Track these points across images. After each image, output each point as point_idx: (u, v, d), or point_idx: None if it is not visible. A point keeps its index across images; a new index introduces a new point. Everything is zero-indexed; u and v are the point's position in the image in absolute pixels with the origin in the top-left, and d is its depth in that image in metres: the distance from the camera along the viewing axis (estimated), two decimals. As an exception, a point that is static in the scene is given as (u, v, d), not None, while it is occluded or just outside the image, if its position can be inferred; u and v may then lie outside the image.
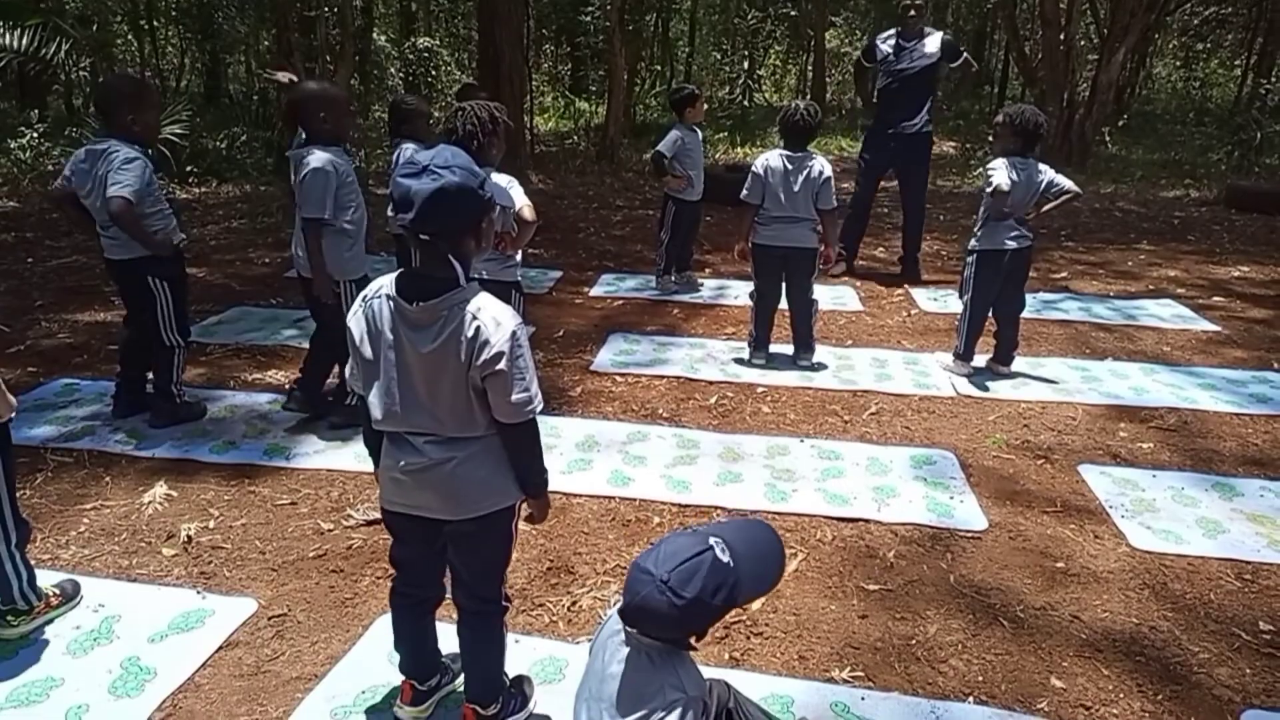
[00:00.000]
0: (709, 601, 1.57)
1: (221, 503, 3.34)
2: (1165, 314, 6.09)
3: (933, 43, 6.49)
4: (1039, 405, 4.46)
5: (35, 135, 10.03)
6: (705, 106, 6.91)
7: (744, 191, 4.71)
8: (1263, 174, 12.28)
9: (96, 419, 3.99)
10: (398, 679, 2.29)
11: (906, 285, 6.67)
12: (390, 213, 1.87)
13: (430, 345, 1.85)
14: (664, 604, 1.56)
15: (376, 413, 1.94)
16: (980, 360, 4.90)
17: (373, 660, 2.48)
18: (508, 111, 3.55)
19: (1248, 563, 3.09)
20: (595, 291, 6.42)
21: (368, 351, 1.92)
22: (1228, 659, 2.61)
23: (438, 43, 17.62)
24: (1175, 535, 3.27)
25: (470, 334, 1.83)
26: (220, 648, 2.53)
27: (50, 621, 2.61)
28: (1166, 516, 3.40)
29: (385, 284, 1.92)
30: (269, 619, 2.67)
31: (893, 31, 6.67)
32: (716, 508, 3.38)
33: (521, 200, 3.51)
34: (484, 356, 1.82)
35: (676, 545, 1.62)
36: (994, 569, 3.05)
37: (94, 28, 11.35)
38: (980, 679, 2.50)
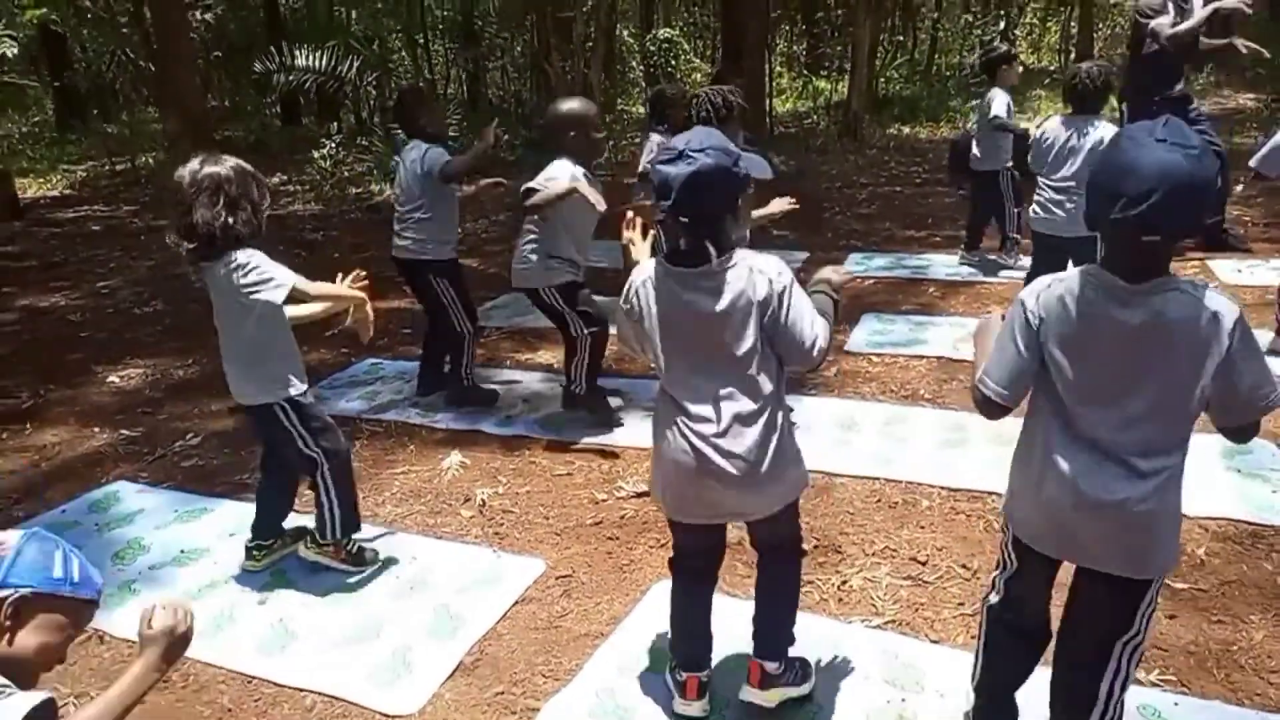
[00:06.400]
0: None
1: (507, 471, 3.64)
2: None
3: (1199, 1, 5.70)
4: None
5: (334, 146, 11.36)
6: (1020, 68, 6.46)
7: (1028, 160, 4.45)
8: None
9: (399, 394, 4.48)
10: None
11: (1202, 256, 5.95)
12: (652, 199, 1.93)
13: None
14: None
15: None
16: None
17: (653, 624, 2.60)
18: (745, 94, 3.56)
19: None
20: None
21: None
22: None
23: (677, 33, 17.94)
24: None
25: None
26: (516, 602, 2.77)
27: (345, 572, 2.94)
28: None
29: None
30: (556, 578, 2.89)
31: None
32: (991, 492, 3.22)
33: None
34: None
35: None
36: (1332, 574, 2.67)
37: (375, 45, 12.65)
38: (1322, 695, 2.21)
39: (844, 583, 2.79)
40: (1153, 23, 5.72)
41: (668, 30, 17.58)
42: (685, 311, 1.96)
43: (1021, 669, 1.97)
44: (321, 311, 2.85)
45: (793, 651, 2.26)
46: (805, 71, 18.32)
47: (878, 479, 3.40)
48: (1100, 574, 1.72)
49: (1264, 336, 4.38)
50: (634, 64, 17.43)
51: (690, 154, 1.84)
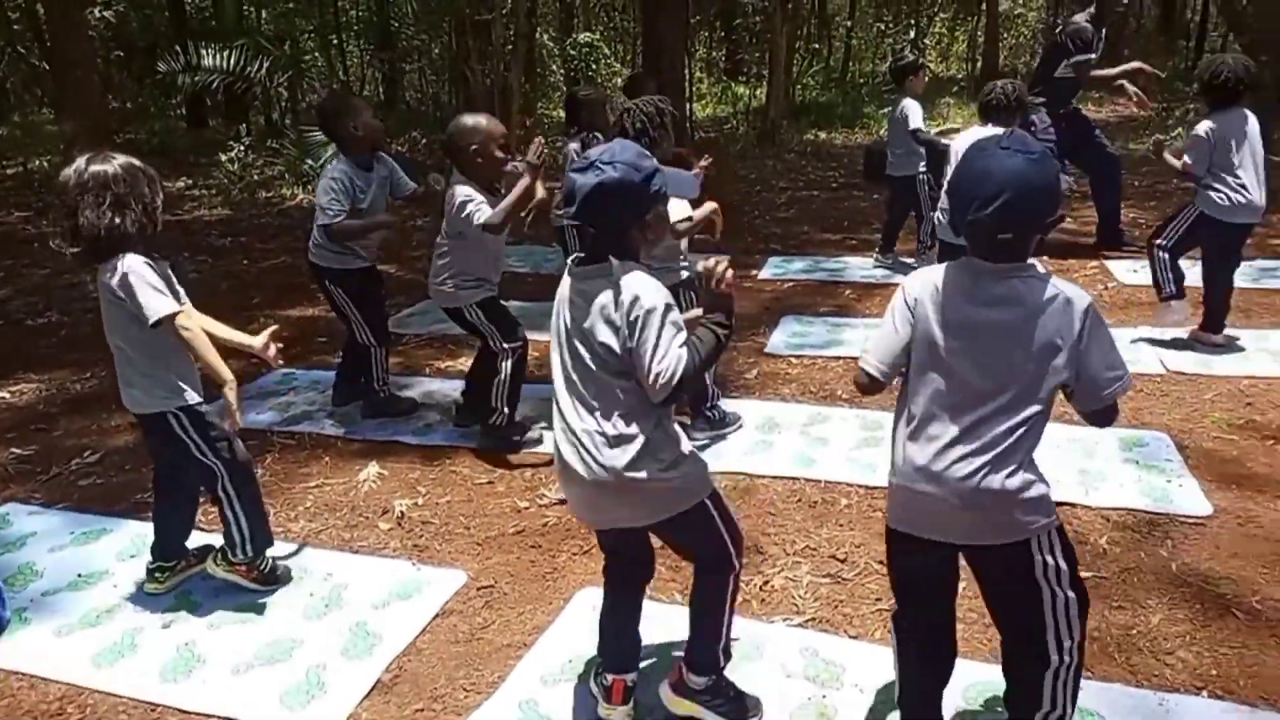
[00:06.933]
0: None
1: (427, 481, 3.57)
2: None
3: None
4: (1264, 381, 4.06)
5: (242, 149, 11.01)
6: (927, 77, 6.68)
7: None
8: None
9: (314, 405, 4.35)
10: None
11: (1102, 257, 6.22)
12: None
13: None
14: None
15: None
16: (1183, 332, 4.53)
17: (576, 632, 2.58)
18: (671, 101, 3.58)
19: None
20: (764, 274, 6.38)
21: None
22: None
23: (597, 37, 17.95)
24: None
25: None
26: (436, 615, 2.71)
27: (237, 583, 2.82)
28: None
29: None
30: (478, 589, 2.84)
31: (1088, 15, 6.16)
32: (906, 490, 3.29)
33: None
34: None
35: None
36: (1222, 557, 2.81)
37: (286, 46, 12.30)
38: (1214, 673, 2.31)
39: (766, 583, 2.82)
40: (1077, 57, 6.14)
41: (588, 34, 17.58)
42: (573, 315, 1.99)
43: (931, 676, 2.01)
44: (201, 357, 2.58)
45: (744, 685, 2.25)
46: (724, 77, 18.56)
47: (798, 479, 3.44)
48: (979, 548, 1.83)
49: (1148, 330, 4.61)
50: (554, 68, 17.37)
51: (600, 165, 1.87)
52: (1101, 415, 1.80)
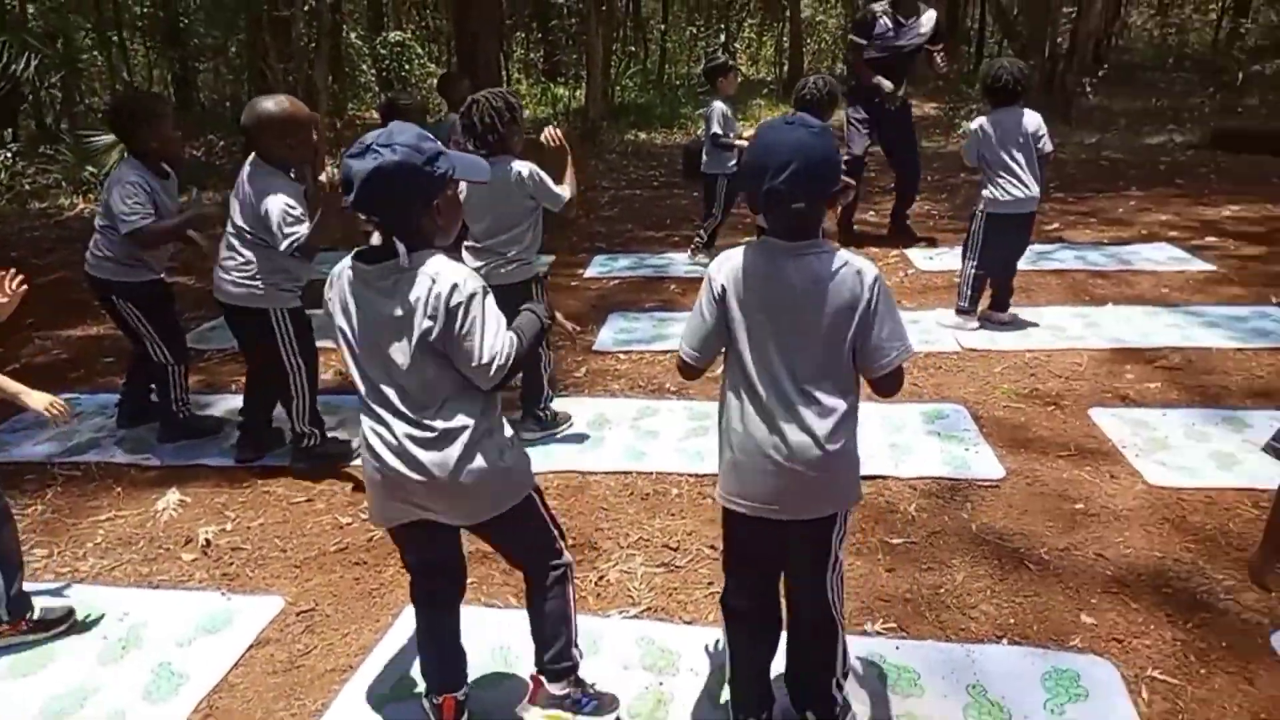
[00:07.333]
0: None
1: (236, 505, 3.32)
2: (1160, 257, 6.10)
3: (928, 21, 6.47)
4: (1044, 354, 4.46)
5: (9, 155, 9.91)
6: (739, 78, 6.91)
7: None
8: (1245, 114, 12.28)
9: (100, 431, 3.96)
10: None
11: (901, 247, 6.65)
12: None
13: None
14: None
15: None
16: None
17: (407, 648, 2.47)
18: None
19: (1264, 491, 3.10)
20: (590, 273, 6.39)
21: None
22: (1252, 585, 2.62)
23: (409, 36, 17.45)
24: (1190, 470, 3.28)
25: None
26: (251, 646, 2.52)
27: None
28: (1180, 452, 3.41)
29: None
30: (297, 614, 2.67)
31: (886, 5, 6.55)
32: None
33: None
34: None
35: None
36: (1014, 515, 3.06)
37: (59, 43, 11.18)
38: (1012, 621, 2.51)
39: (601, 578, 2.81)
40: (856, 39, 6.66)
41: (399, 33, 17.05)
42: (367, 313, 1.86)
43: (759, 651, 2.07)
44: None
45: (599, 687, 2.23)
46: (543, 78, 18.51)
47: (630, 472, 3.46)
48: (796, 522, 1.89)
49: (946, 314, 4.97)
50: (365, 67, 16.74)
51: (377, 149, 1.74)
52: (885, 382, 1.87)
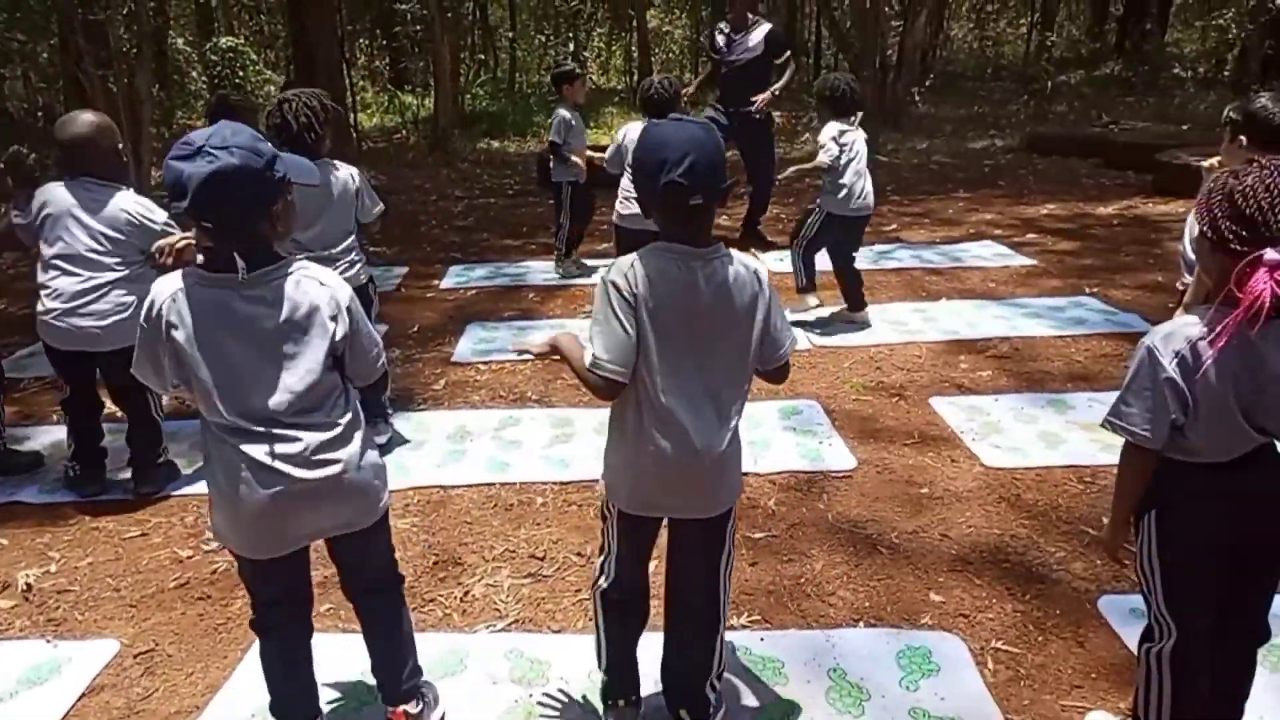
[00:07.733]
0: None
1: (61, 544, 3.05)
2: (987, 254, 6.55)
3: (757, 36, 6.64)
4: (887, 348, 4.70)
5: None
6: (587, 86, 6.91)
7: (605, 159, 5.01)
8: (1055, 120, 13.38)
9: (-104, 473, 3.55)
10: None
11: (751, 251, 6.86)
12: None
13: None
14: None
15: None
16: (827, 312, 5.13)
17: (257, 682, 2.32)
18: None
19: (1086, 467, 3.38)
20: (445, 284, 6.26)
21: None
22: (1080, 554, 2.84)
23: (242, 41, 16.60)
24: (1021, 451, 3.53)
25: None
26: (82, 695, 2.32)
27: None
28: (1011, 435, 3.66)
29: None
30: (134, 657, 2.47)
31: (723, 23, 6.76)
32: (597, 480, 3.38)
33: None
34: None
35: None
36: (866, 502, 3.20)
37: None
38: (867, 604, 2.62)
39: (466, 593, 2.74)
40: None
41: (230, 39, 16.18)
42: (245, 328, 1.74)
43: (633, 635, 2.11)
44: None
45: (453, 701, 2.23)
46: (390, 86, 18.02)
47: (494, 484, 3.40)
48: (694, 521, 1.93)
49: (810, 314, 5.16)
50: (194, 74, 15.80)
51: (211, 151, 1.62)
52: (780, 373, 1.94)
